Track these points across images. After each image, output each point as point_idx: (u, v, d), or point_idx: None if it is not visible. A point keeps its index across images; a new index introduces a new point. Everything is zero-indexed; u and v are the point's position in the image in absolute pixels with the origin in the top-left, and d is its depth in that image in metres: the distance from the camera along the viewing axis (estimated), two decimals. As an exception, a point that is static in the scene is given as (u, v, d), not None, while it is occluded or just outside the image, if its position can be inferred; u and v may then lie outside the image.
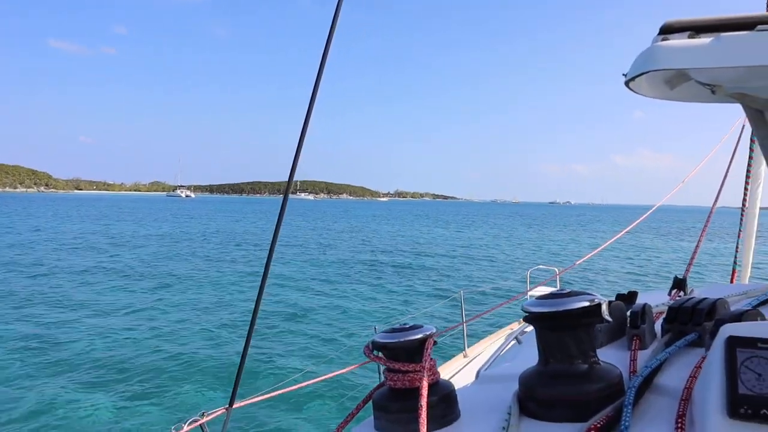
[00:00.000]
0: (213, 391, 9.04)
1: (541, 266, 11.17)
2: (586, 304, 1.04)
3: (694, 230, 64.84)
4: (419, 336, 1.12)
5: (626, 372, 1.23)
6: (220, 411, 2.90)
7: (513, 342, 2.00)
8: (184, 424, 2.72)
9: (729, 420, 0.88)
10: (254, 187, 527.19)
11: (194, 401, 8.52)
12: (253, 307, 2.67)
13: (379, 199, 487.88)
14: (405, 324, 1.18)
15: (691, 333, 1.36)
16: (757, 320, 1.26)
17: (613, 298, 1.71)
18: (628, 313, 1.49)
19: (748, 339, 0.92)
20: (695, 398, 1.01)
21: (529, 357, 1.52)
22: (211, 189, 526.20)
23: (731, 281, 5.42)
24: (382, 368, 1.18)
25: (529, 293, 9.37)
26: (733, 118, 5.83)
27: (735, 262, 5.53)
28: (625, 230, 8.90)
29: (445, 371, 5.83)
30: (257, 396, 3.62)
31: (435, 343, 1.14)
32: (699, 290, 2.32)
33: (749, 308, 1.36)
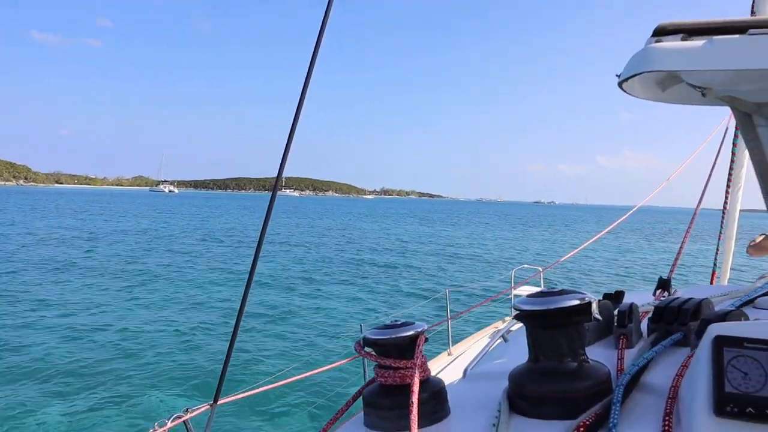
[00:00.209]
0: (196, 388, 8.97)
1: (525, 265, 11.26)
2: (577, 302, 1.04)
3: (676, 231, 65.81)
4: (410, 333, 1.12)
5: (614, 370, 1.24)
6: (204, 407, 2.87)
7: (500, 340, 2.01)
8: (167, 420, 2.69)
9: (715, 418, 0.89)
10: (239, 183, 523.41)
11: (178, 399, 8.45)
12: (240, 303, 2.65)
13: (365, 196, 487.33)
14: (396, 321, 1.17)
15: (677, 332, 1.37)
16: (741, 320, 1.29)
17: (601, 298, 1.73)
18: (616, 313, 1.50)
19: (735, 338, 0.93)
20: (682, 396, 1.02)
21: (517, 355, 1.53)
22: (195, 184, 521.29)
23: (711, 282, 5.50)
24: (369, 365, 1.18)
25: (514, 292, 9.44)
26: (718, 121, 5.92)
27: (715, 264, 5.62)
28: (607, 229, 9.00)
29: (430, 369, 5.84)
30: (242, 392, 3.59)
31: (426, 339, 1.14)
32: (682, 291, 2.35)
33: (733, 308, 1.39)
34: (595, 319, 1.08)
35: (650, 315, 1.51)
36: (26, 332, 11.90)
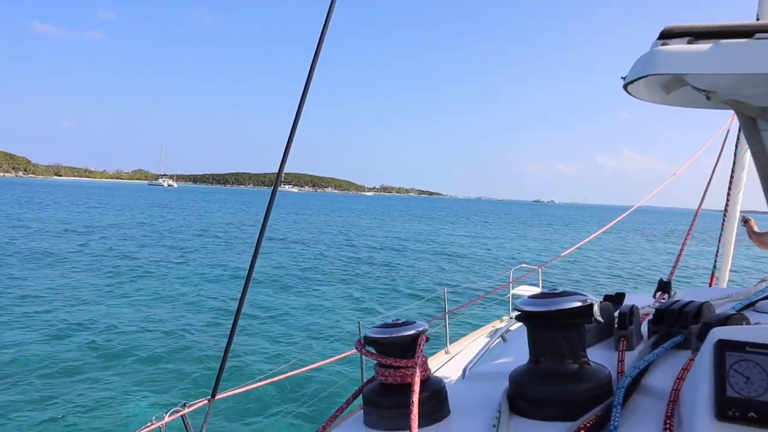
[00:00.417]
0: (194, 383, 8.97)
1: (523, 265, 11.26)
2: (579, 304, 1.04)
3: (677, 232, 65.74)
4: (412, 332, 1.11)
5: (614, 372, 1.24)
6: (202, 402, 2.87)
7: (498, 340, 2.00)
8: (165, 414, 2.69)
9: (717, 422, 0.89)
10: (239, 178, 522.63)
11: (175, 393, 8.45)
12: (238, 299, 2.65)
13: (364, 193, 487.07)
14: (397, 319, 1.17)
15: (678, 335, 1.37)
16: (742, 324, 1.28)
17: (601, 299, 1.72)
18: (616, 314, 1.50)
19: (737, 342, 0.93)
20: (683, 400, 1.02)
21: (516, 355, 1.52)
22: (194, 179, 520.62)
23: (710, 285, 5.51)
24: (367, 363, 1.17)
25: (513, 292, 9.45)
26: (719, 123, 5.93)
27: (714, 267, 5.63)
28: (604, 228, 9.02)
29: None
30: (239, 387, 3.59)
31: (427, 339, 1.14)
32: (682, 293, 2.35)
33: (734, 312, 1.38)
34: (597, 320, 1.07)
35: (651, 317, 1.50)
36: (22, 329, 11.90)
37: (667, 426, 0.97)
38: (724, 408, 0.89)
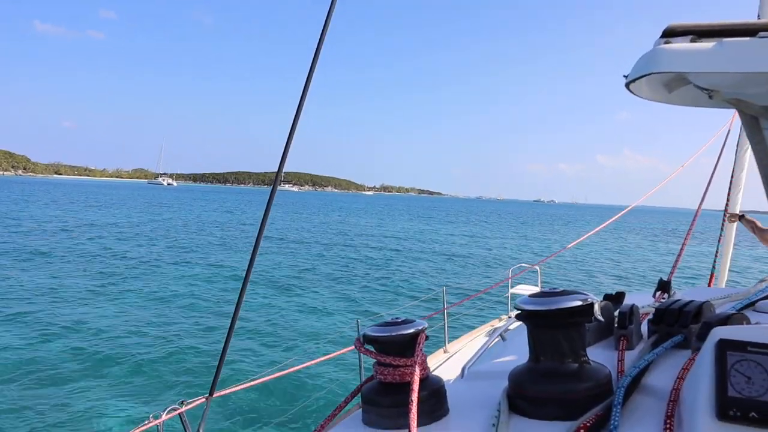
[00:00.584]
0: (192, 381, 8.97)
1: (522, 264, 11.25)
2: (579, 303, 1.04)
3: (677, 232, 65.72)
4: (411, 330, 1.11)
5: (614, 372, 1.23)
6: (200, 400, 2.86)
7: (498, 339, 2.00)
8: (163, 412, 2.68)
9: (718, 422, 0.88)
10: (238, 178, 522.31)
11: (173, 391, 8.45)
12: (237, 298, 2.64)
13: (364, 192, 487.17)
14: (396, 318, 1.16)
15: (678, 335, 1.37)
16: (743, 323, 1.28)
17: (601, 298, 1.72)
18: (617, 314, 1.50)
19: (739, 342, 0.92)
20: (684, 399, 1.01)
21: (515, 354, 1.52)
22: (194, 178, 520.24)
23: (709, 284, 5.51)
24: (366, 361, 1.17)
25: (511, 291, 9.45)
26: (721, 122, 5.93)
27: (714, 266, 5.63)
28: (601, 227, 9.02)
29: None
30: (238, 385, 3.59)
31: (427, 338, 1.13)
32: (682, 293, 2.35)
33: (734, 312, 1.38)
34: (597, 320, 1.07)
35: (651, 317, 1.50)
36: (17, 325, 11.90)
37: (668, 426, 0.96)
38: (725, 408, 0.89)
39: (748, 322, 1.31)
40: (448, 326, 7.10)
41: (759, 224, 4.01)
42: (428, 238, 42.25)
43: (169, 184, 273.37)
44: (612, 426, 0.95)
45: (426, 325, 1.14)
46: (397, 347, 1.11)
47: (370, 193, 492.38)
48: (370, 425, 1.13)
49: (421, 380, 1.08)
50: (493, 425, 1.03)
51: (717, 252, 5.61)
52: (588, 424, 0.96)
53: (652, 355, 1.24)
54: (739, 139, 5.50)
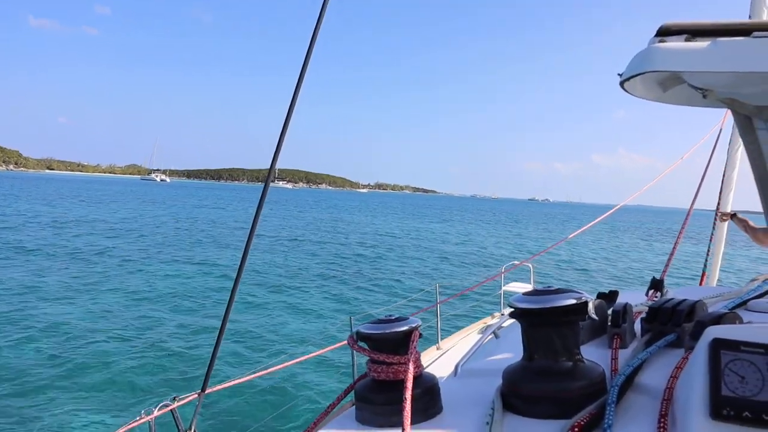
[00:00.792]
0: (184, 377, 8.94)
1: (515, 262, 11.26)
2: (574, 301, 1.03)
3: (671, 232, 66.04)
4: (405, 328, 1.10)
5: (607, 370, 1.23)
6: (192, 396, 2.85)
7: (491, 336, 2.00)
8: (155, 408, 2.67)
9: (711, 421, 0.89)
10: (232, 174, 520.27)
11: (165, 387, 8.41)
12: (229, 294, 2.63)
13: (359, 190, 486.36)
14: (390, 315, 1.16)
15: (671, 333, 1.37)
16: (735, 323, 1.28)
17: (595, 297, 1.72)
18: (610, 312, 1.50)
19: (732, 342, 0.92)
20: (677, 398, 1.02)
21: (509, 352, 1.52)
22: (188, 174, 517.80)
23: (701, 283, 5.54)
24: (359, 358, 1.16)
25: (504, 288, 9.46)
26: (715, 121, 5.95)
27: (705, 266, 5.66)
28: (590, 224, 9.04)
29: None
30: (230, 381, 3.57)
31: (420, 335, 1.13)
32: (674, 292, 2.35)
33: (726, 311, 1.38)
34: (591, 318, 1.07)
35: (644, 315, 1.50)
36: (15, 324, 11.82)
37: (661, 424, 0.96)
38: (719, 407, 0.89)
39: (741, 321, 1.32)
40: (440, 323, 7.11)
41: (751, 223, 4.02)
42: (422, 235, 42.28)
43: (162, 180, 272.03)
44: (606, 424, 0.94)
45: (420, 323, 1.14)
46: (391, 345, 1.10)
47: (364, 190, 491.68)
48: (363, 423, 1.12)
49: (415, 378, 1.08)
50: (487, 423, 1.03)
51: (708, 251, 5.64)
52: (582, 423, 0.96)
53: (645, 354, 1.24)
54: (731, 138, 5.53)
